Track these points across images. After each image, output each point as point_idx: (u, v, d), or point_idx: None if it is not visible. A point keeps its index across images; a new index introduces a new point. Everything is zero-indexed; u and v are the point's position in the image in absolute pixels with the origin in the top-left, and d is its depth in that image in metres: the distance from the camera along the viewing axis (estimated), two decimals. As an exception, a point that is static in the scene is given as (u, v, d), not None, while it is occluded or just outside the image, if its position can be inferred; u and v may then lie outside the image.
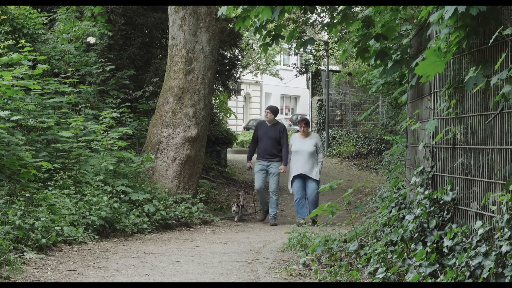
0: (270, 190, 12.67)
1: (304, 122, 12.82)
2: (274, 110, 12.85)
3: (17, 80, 9.29)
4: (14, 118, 9.03)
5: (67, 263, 7.46)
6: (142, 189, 11.03)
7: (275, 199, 12.64)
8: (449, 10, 4.97)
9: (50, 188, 9.66)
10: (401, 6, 7.59)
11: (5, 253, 6.82)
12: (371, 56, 7.80)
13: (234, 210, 12.78)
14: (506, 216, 4.56)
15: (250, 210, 13.93)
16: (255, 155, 12.96)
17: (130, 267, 7.33)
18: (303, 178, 12.46)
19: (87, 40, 13.42)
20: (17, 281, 6.33)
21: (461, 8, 4.88)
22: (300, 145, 12.53)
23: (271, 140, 12.58)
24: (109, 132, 11.30)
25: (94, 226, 9.32)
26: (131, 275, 6.87)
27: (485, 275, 4.64)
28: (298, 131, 13.07)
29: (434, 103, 6.52)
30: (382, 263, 6.21)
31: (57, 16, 14.17)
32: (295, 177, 12.45)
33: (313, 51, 30.30)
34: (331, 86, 27.58)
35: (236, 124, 41.22)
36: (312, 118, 30.71)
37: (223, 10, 7.32)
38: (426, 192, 6.33)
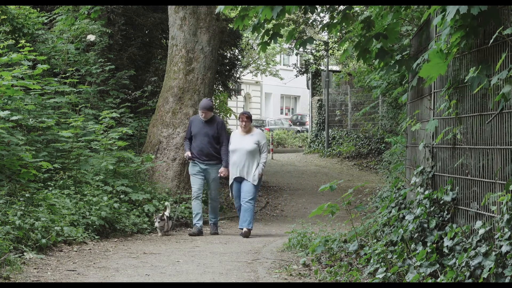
0: (210, 197, 10.74)
1: (245, 116, 10.71)
2: (209, 107, 10.64)
3: (17, 80, 9.29)
4: (14, 118, 9.03)
5: (67, 263, 7.46)
6: (142, 189, 11.03)
7: (216, 205, 10.76)
8: (451, 11, 4.96)
9: (50, 188, 9.67)
10: (403, 7, 7.60)
11: (5, 253, 6.81)
12: (372, 57, 7.81)
13: (156, 226, 10.32)
14: (506, 216, 4.56)
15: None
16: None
17: (130, 267, 7.33)
18: (241, 182, 10.58)
19: (87, 38, 13.41)
20: (17, 281, 6.33)
21: (463, 9, 4.87)
22: (239, 143, 10.58)
23: (207, 138, 10.60)
24: (109, 132, 11.30)
25: (94, 226, 9.32)
26: (131, 275, 6.87)
27: (485, 275, 4.64)
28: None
29: (434, 103, 6.52)
30: (382, 263, 6.21)
31: (55, 16, 14.16)
32: (234, 181, 10.59)
33: (313, 51, 30.31)
34: (331, 86, 27.60)
35: (236, 124, 41.21)
36: (312, 118, 30.72)
37: (220, 8, 7.33)
38: (426, 192, 6.33)
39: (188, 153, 10.65)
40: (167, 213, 10.40)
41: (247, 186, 10.48)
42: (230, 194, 10.92)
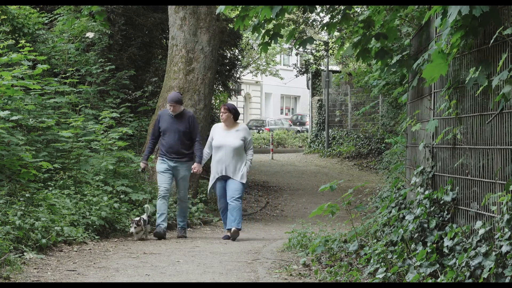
0: (178, 197, 10.05)
1: (224, 107, 9.95)
2: (177, 99, 9.90)
3: (17, 80, 9.29)
4: (14, 118, 9.03)
5: (67, 263, 7.46)
6: (142, 189, 11.03)
7: (185, 207, 10.10)
8: (452, 12, 4.96)
9: (50, 188, 9.67)
10: (402, 7, 7.61)
11: (5, 253, 6.81)
12: (372, 56, 7.81)
13: (132, 232, 9.60)
14: (506, 216, 4.56)
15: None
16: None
17: (130, 267, 7.33)
18: (226, 181, 9.89)
19: (86, 36, 13.41)
20: (17, 281, 6.33)
21: (465, 10, 4.86)
22: (223, 139, 9.82)
23: (177, 134, 9.85)
24: (109, 132, 11.31)
25: (94, 226, 9.32)
26: (131, 275, 6.87)
27: (485, 275, 4.64)
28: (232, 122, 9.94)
29: (434, 103, 6.52)
30: (382, 263, 6.21)
31: (56, 16, 14.15)
32: (217, 180, 9.89)
33: (313, 51, 30.33)
34: (331, 86, 27.61)
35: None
36: (312, 118, 30.73)
37: (221, 8, 7.33)
38: (426, 192, 6.33)
39: (142, 164, 10.08)
40: (144, 216, 9.76)
41: (234, 184, 9.78)
42: (209, 193, 10.12)
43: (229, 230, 9.88)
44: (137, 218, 9.68)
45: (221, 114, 9.96)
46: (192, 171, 9.98)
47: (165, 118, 9.99)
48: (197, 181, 12.70)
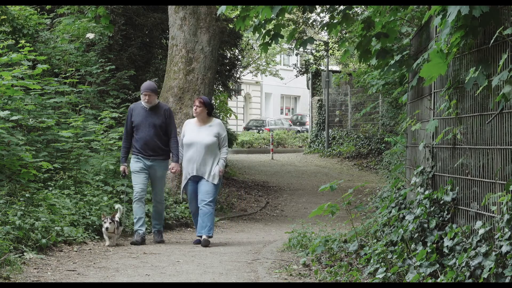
0: (154, 199, 9.29)
1: (198, 100, 9.10)
2: (153, 88, 9.19)
3: (17, 80, 9.29)
4: (14, 118, 9.03)
5: (67, 263, 7.46)
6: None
7: (162, 209, 9.38)
8: (452, 12, 4.96)
9: (50, 188, 9.67)
10: (402, 7, 7.61)
11: (5, 253, 6.81)
12: (373, 56, 7.82)
13: (107, 228, 8.71)
14: (506, 216, 4.56)
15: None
16: None
17: (130, 267, 7.33)
18: (197, 182, 9.09)
19: (87, 36, 13.41)
20: (17, 281, 6.33)
21: (464, 10, 4.86)
22: (195, 135, 9.01)
23: (153, 129, 9.08)
24: (109, 132, 11.31)
25: (94, 226, 9.32)
26: (131, 275, 6.87)
27: (485, 275, 4.64)
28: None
29: (434, 103, 6.53)
30: (382, 263, 6.21)
31: (60, 18, 14.14)
32: (189, 181, 9.09)
33: (313, 51, 30.33)
34: (331, 86, 27.62)
35: (236, 124, 41.33)
36: (312, 118, 30.73)
37: (222, 9, 7.33)
38: (426, 192, 6.33)
39: (122, 167, 9.24)
40: (116, 217, 8.89)
41: (205, 186, 8.98)
42: (181, 195, 9.64)
43: (200, 236, 9.13)
44: (110, 215, 8.92)
45: (194, 107, 9.11)
46: (170, 171, 9.30)
47: (138, 112, 9.20)
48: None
